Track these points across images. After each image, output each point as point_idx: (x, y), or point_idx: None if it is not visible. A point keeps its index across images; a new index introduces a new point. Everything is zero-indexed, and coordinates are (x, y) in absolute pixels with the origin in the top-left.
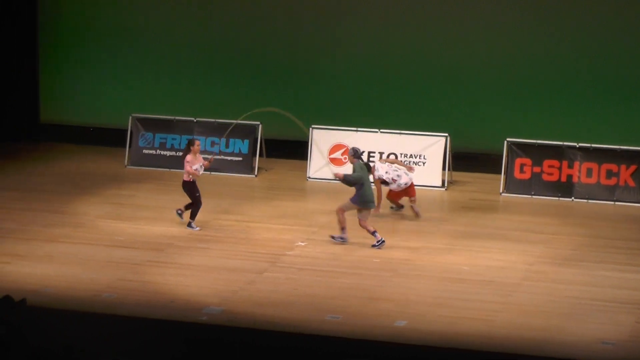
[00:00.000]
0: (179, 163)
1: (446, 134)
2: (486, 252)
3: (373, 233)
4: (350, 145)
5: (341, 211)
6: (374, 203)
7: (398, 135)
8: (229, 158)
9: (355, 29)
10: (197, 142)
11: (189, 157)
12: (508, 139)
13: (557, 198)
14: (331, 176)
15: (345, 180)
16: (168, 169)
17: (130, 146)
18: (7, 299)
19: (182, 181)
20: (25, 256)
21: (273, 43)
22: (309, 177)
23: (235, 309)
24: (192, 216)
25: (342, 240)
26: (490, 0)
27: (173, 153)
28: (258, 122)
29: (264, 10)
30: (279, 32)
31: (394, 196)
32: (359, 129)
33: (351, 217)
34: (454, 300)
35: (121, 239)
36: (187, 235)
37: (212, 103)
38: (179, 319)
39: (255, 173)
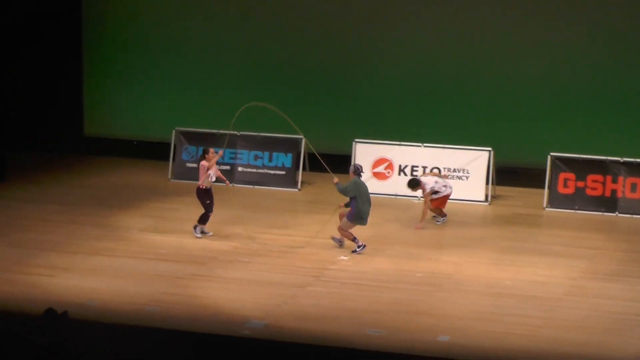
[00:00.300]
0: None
1: (490, 148)
2: (529, 267)
3: (354, 239)
4: (395, 160)
5: (342, 230)
6: (366, 221)
7: (441, 149)
8: (272, 172)
9: (399, 43)
10: (211, 151)
11: (204, 163)
12: (552, 154)
13: (600, 213)
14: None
15: (338, 188)
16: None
17: (173, 159)
18: (51, 311)
19: (196, 188)
20: (69, 269)
21: (317, 57)
22: None
23: (278, 323)
24: (200, 220)
25: (360, 249)
26: (533, 17)
27: (216, 166)
28: (301, 136)
29: (308, 24)
30: (323, 46)
31: (437, 204)
32: (402, 142)
33: (361, 231)
34: (496, 315)
35: (164, 252)
36: (230, 249)
37: (255, 117)
38: (221, 332)
39: (299, 187)
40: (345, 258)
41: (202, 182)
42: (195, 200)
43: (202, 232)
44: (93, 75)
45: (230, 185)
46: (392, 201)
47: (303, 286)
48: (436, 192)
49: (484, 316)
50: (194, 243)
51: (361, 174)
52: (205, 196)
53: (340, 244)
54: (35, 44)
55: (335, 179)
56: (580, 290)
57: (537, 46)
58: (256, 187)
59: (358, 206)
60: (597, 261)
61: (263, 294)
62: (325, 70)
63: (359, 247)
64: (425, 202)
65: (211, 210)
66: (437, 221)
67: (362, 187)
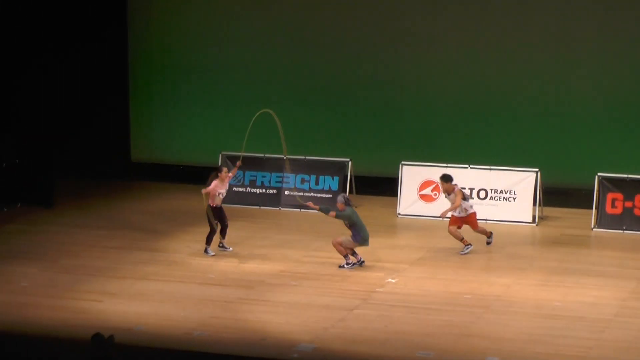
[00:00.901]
0: (269, 200)
1: (537, 169)
2: (578, 288)
3: (345, 256)
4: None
5: (338, 244)
6: (369, 242)
7: (488, 170)
8: (319, 195)
9: (445, 64)
10: (224, 169)
11: (215, 183)
12: (599, 174)
13: None
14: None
15: (337, 214)
16: (258, 207)
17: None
18: (98, 336)
19: (206, 206)
20: (117, 294)
21: (363, 79)
22: (399, 214)
23: (327, 346)
24: (220, 236)
25: (355, 265)
26: (581, 36)
27: (263, 190)
28: (348, 159)
29: (354, 47)
30: (369, 68)
31: (455, 222)
32: (449, 164)
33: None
34: (546, 336)
35: (212, 276)
36: (278, 272)
37: (302, 140)
38: (270, 356)
39: None
40: (393, 280)
41: (213, 201)
42: (242, 224)
43: (223, 247)
44: (139, 100)
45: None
46: (438, 223)
47: (351, 309)
48: (465, 199)
49: (533, 338)
50: (242, 267)
51: (350, 204)
52: (214, 215)
53: (361, 263)
54: (81, 71)
55: (317, 207)
56: (630, 311)
57: (585, 66)
58: (303, 210)
59: (361, 232)
60: None
61: (312, 317)
62: (371, 92)
63: (347, 264)
64: (457, 198)
65: (215, 231)
66: (487, 242)
67: (357, 214)
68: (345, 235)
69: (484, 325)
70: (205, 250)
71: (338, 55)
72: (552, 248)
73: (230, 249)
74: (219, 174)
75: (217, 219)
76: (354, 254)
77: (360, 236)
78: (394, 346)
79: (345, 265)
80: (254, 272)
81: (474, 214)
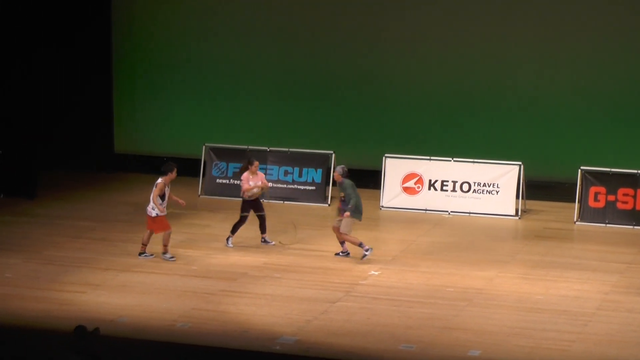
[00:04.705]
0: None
1: (520, 163)
2: (561, 282)
3: (360, 244)
4: (425, 175)
5: (346, 236)
6: (362, 215)
7: (471, 163)
8: (302, 187)
9: (429, 58)
10: (255, 163)
11: (245, 175)
12: (582, 167)
13: (631, 227)
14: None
15: (354, 210)
16: (241, 199)
17: (203, 176)
18: (81, 328)
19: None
20: (100, 285)
21: (346, 72)
22: (382, 206)
23: (309, 338)
24: (260, 231)
25: (368, 252)
26: (563, 31)
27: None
28: (332, 152)
29: (337, 41)
30: (353, 61)
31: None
32: (432, 157)
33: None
34: (529, 330)
35: (195, 268)
36: (261, 264)
37: (286, 132)
38: (252, 348)
39: (329, 202)
40: (376, 273)
41: (245, 192)
42: (225, 216)
43: (265, 241)
44: (123, 92)
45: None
46: (422, 216)
47: (334, 301)
48: None
49: (516, 331)
50: (224, 259)
51: (347, 174)
52: (245, 208)
53: (346, 254)
54: (64, 62)
55: (346, 213)
56: (612, 305)
57: (567, 60)
58: (286, 202)
59: (352, 203)
60: (629, 275)
61: (294, 310)
62: (355, 85)
63: (366, 250)
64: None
65: (243, 222)
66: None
67: (355, 188)
68: (338, 218)
69: (467, 319)
70: (227, 239)
71: (322, 48)
72: (534, 241)
73: (273, 242)
74: (250, 167)
75: (251, 211)
76: (342, 243)
77: (349, 207)
78: (377, 339)
79: (366, 253)
80: (236, 264)
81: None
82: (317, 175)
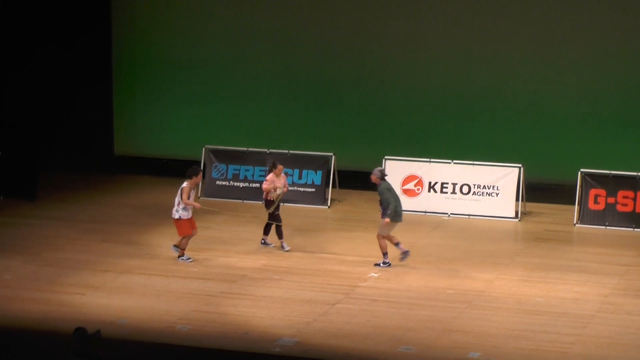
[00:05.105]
0: (252, 194)
1: (520, 165)
2: (560, 284)
3: (384, 254)
4: (425, 177)
5: (381, 237)
6: (402, 217)
7: (471, 166)
8: (302, 189)
9: (429, 61)
10: (280, 166)
11: (270, 177)
12: (582, 170)
13: (631, 229)
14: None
15: (389, 214)
16: (241, 201)
17: (203, 177)
18: (80, 331)
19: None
20: (100, 287)
21: (347, 75)
22: None
23: (309, 340)
24: (264, 232)
25: (384, 265)
26: (563, 35)
27: (246, 184)
28: (332, 154)
29: (338, 43)
30: (354, 64)
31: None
32: (432, 160)
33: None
34: (528, 332)
35: (195, 270)
36: (261, 266)
37: (285, 134)
38: (252, 350)
39: (328, 204)
40: (375, 275)
41: (269, 195)
42: (225, 218)
43: (265, 243)
44: (123, 94)
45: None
46: (422, 218)
47: (334, 303)
48: None
49: (515, 333)
50: (225, 261)
51: (385, 176)
52: (270, 205)
53: (405, 254)
54: (65, 64)
55: (386, 220)
56: (611, 307)
57: (567, 63)
58: (286, 204)
59: (390, 207)
60: (629, 277)
61: (294, 312)
62: (355, 87)
63: (384, 263)
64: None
65: (279, 221)
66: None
67: (393, 189)
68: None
69: (466, 321)
70: (282, 246)
71: (322, 50)
72: (534, 244)
73: (272, 245)
74: (274, 170)
75: (276, 211)
76: (397, 244)
77: (388, 212)
78: (376, 341)
79: (382, 264)
80: (236, 266)
81: None
82: (317, 177)
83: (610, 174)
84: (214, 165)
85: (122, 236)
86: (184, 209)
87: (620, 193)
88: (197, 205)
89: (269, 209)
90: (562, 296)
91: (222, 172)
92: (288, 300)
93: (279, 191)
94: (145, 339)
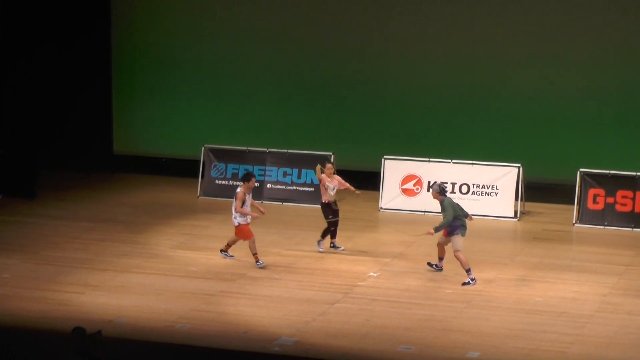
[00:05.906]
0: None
1: (519, 165)
2: (559, 284)
3: (468, 270)
4: (424, 177)
5: (460, 255)
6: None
7: (470, 165)
8: (300, 189)
9: (428, 60)
10: (328, 165)
11: (324, 176)
12: (581, 170)
13: (630, 229)
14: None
15: (440, 228)
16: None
17: (202, 177)
18: (79, 330)
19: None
20: (98, 286)
21: (346, 74)
22: (381, 208)
23: (308, 339)
24: (330, 236)
25: (471, 282)
26: (564, 34)
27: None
28: (331, 153)
29: (338, 43)
30: (353, 63)
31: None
32: (431, 159)
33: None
34: (527, 332)
35: (194, 269)
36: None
37: (285, 133)
38: (251, 349)
39: None
40: (374, 274)
41: (325, 197)
42: (224, 217)
43: (334, 247)
44: (122, 93)
45: (357, 192)
46: (421, 217)
47: (333, 303)
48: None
49: (514, 333)
50: (223, 261)
51: (446, 190)
52: (327, 211)
53: (438, 269)
54: (64, 63)
55: (430, 230)
56: (610, 307)
57: (567, 62)
58: (285, 204)
59: (456, 221)
60: (628, 277)
61: (293, 311)
62: (354, 86)
63: (471, 280)
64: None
65: (332, 225)
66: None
67: (455, 203)
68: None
69: (465, 320)
70: (317, 243)
71: (321, 49)
72: (533, 243)
73: (342, 248)
74: (324, 170)
75: (330, 215)
76: (440, 259)
77: (458, 227)
78: (375, 340)
79: (471, 281)
80: (235, 265)
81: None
82: (315, 176)
83: (610, 173)
84: (213, 164)
85: (121, 235)
86: (241, 215)
87: (619, 193)
88: (255, 214)
89: (327, 214)
90: (561, 296)
91: (221, 171)
92: (287, 300)
93: (332, 192)
94: (144, 338)
